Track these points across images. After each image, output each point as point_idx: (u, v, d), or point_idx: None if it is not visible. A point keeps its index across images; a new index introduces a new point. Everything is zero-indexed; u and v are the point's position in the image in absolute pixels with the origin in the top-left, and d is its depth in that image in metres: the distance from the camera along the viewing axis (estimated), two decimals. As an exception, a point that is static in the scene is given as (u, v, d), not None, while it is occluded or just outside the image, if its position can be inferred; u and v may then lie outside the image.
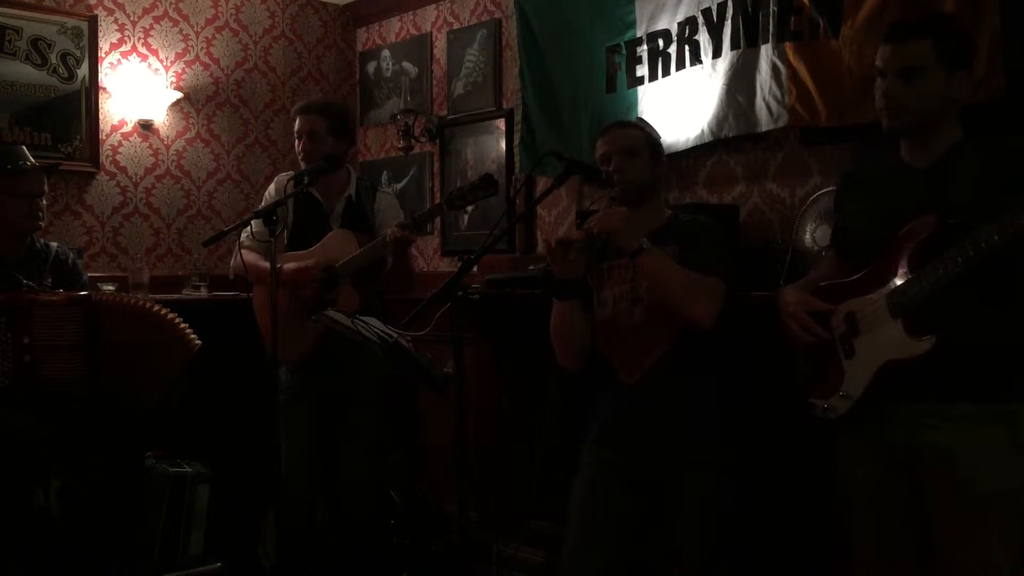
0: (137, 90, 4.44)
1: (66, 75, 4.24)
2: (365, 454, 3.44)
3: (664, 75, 3.53)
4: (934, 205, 1.97)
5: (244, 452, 3.74)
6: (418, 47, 4.83)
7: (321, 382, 3.37)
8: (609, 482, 2.45)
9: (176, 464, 3.53)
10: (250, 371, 3.45)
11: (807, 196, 3.12)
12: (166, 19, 4.59)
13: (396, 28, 5.00)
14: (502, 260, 4.06)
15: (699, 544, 2.37)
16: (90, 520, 3.03)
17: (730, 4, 3.26)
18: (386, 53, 5.02)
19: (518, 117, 4.11)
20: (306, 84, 5.06)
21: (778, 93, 3.10)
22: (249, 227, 3.22)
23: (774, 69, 3.11)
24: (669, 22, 3.50)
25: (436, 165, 4.70)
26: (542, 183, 3.91)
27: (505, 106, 4.35)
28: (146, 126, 4.49)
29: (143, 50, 4.51)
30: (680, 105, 3.44)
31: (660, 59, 3.54)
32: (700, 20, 3.38)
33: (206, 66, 4.72)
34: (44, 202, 3.10)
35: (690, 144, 3.41)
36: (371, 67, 5.11)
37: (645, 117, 3.38)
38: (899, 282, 1.99)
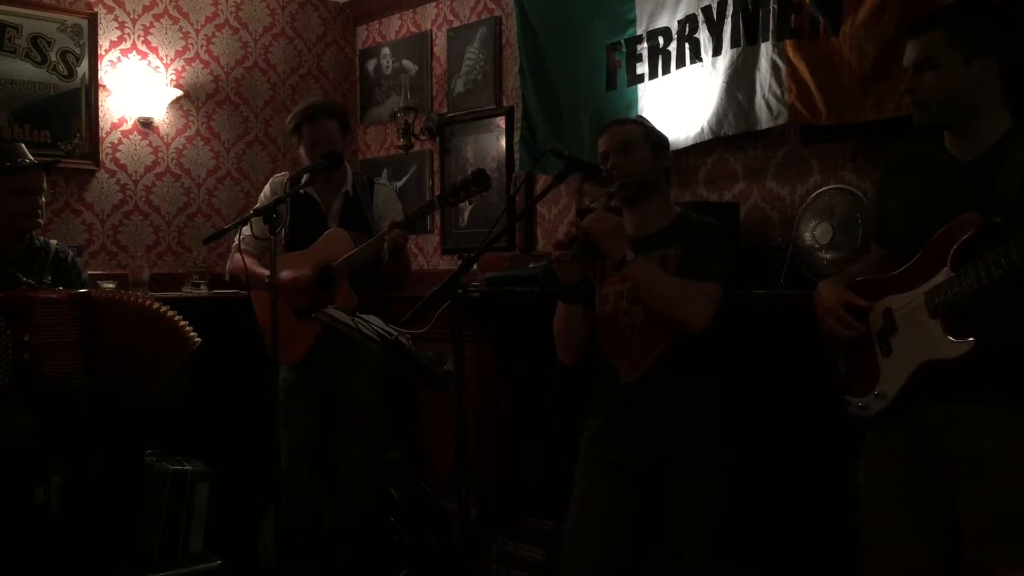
0: (137, 88, 4.43)
1: (66, 73, 4.24)
2: (365, 452, 3.44)
3: (664, 73, 3.52)
4: (978, 201, 1.91)
5: (244, 450, 3.74)
6: (418, 45, 4.82)
7: (320, 382, 3.38)
8: (609, 480, 2.45)
9: (176, 462, 3.53)
10: (250, 369, 3.46)
11: (807, 194, 3.12)
12: (166, 17, 4.59)
13: (396, 26, 4.99)
14: (502, 258, 4.06)
15: (699, 544, 2.37)
16: (90, 518, 3.04)
17: (730, 2, 3.25)
18: (386, 51, 5.02)
19: (518, 115, 4.11)
20: (306, 82, 5.06)
21: (778, 91, 3.10)
22: (248, 228, 3.22)
23: (774, 67, 3.11)
24: (669, 20, 3.49)
25: (436, 163, 4.70)
26: (542, 181, 3.92)
27: (505, 104, 4.35)
28: (146, 124, 4.49)
29: (143, 48, 4.50)
30: (680, 103, 3.43)
31: (660, 57, 3.53)
32: (700, 18, 3.37)
33: (206, 64, 4.72)
34: (44, 200, 3.10)
35: (690, 142, 3.41)
36: (371, 65, 5.11)
37: (645, 115, 3.37)
38: (939, 281, 1.94)
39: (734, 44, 3.25)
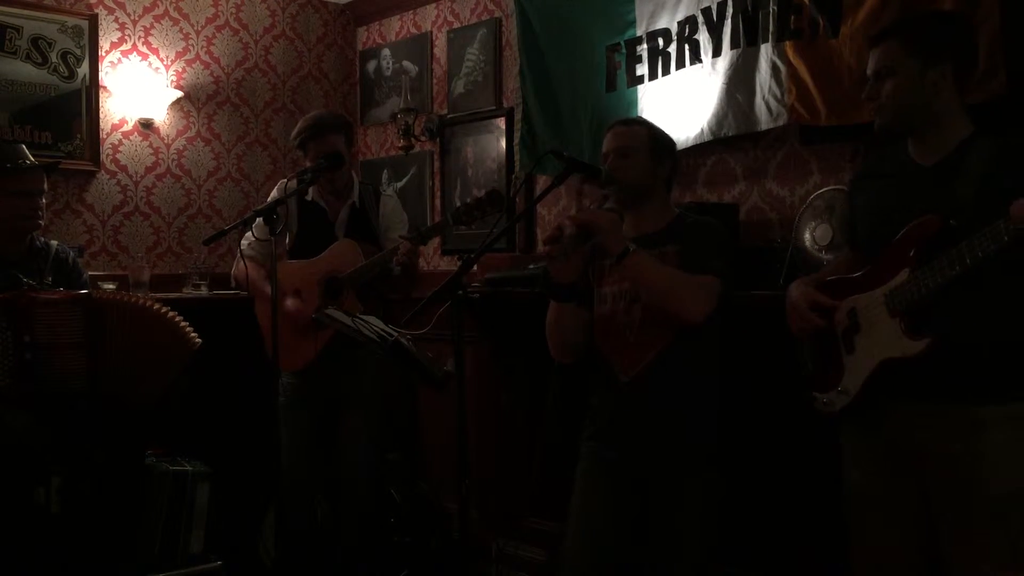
0: (137, 89, 4.44)
1: (67, 74, 4.25)
2: (365, 453, 3.45)
3: (664, 74, 3.53)
4: (938, 204, 1.97)
5: (245, 450, 3.74)
6: (418, 46, 4.83)
7: (321, 388, 3.40)
8: (608, 480, 2.45)
9: (177, 462, 3.52)
10: (251, 370, 3.46)
11: (807, 195, 3.13)
12: (166, 18, 4.59)
13: (396, 27, 5.00)
14: (502, 259, 4.06)
15: (698, 543, 2.37)
16: (91, 518, 3.03)
17: (730, 3, 3.26)
18: (386, 52, 5.02)
19: (518, 116, 4.11)
20: (306, 83, 5.06)
21: (778, 92, 3.11)
22: (250, 231, 3.23)
23: (774, 68, 3.12)
24: (669, 21, 3.50)
25: (436, 164, 4.71)
26: (542, 182, 3.92)
27: (505, 105, 4.35)
28: (146, 125, 4.50)
29: (143, 49, 4.51)
30: (680, 104, 3.44)
31: (660, 58, 3.54)
32: (700, 19, 3.38)
33: (206, 65, 4.73)
34: (44, 201, 3.10)
35: (690, 143, 3.41)
36: (371, 66, 5.11)
37: (645, 116, 3.37)
38: (899, 281, 2.00)
39: (734, 45, 3.26)
